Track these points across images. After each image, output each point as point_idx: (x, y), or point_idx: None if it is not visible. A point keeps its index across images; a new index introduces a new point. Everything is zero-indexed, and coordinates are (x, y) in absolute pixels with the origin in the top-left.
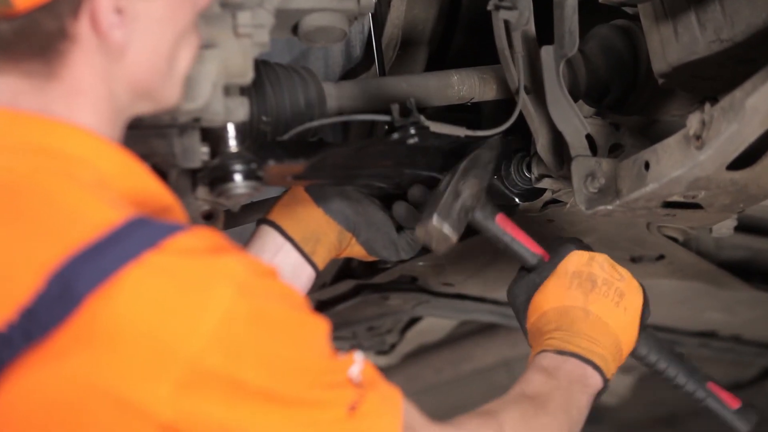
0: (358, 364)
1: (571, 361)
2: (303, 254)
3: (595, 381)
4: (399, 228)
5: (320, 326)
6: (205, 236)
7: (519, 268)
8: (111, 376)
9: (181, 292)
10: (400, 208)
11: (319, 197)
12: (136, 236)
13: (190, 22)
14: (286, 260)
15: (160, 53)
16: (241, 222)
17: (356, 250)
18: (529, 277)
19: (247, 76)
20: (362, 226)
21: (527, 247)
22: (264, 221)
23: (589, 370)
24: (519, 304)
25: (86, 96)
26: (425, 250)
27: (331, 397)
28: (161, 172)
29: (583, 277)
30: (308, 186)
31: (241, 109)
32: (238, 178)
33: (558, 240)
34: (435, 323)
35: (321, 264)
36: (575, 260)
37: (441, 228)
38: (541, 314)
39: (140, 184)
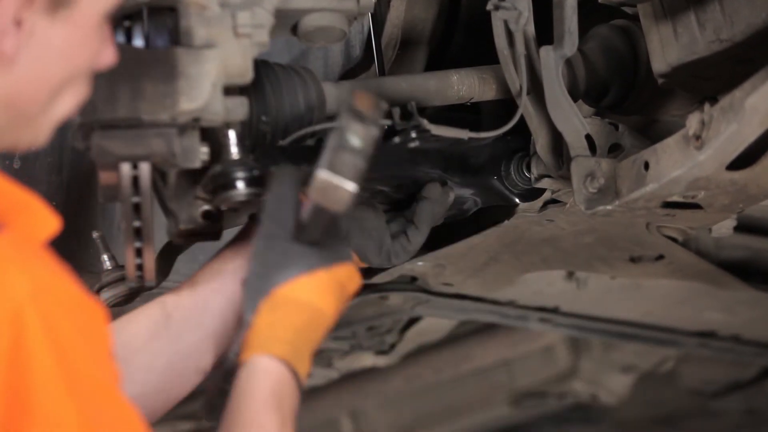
0: None
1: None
2: None
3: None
4: (395, 233)
5: (104, 401)
6: (7, 240)
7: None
8: None
9: None
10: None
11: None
12: None
13: (84, 69)
14: None
15: (45, 82)
16: (240, 222)
17: None
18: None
19: (247, 76)
20: (353, 233)
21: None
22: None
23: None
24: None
25: None
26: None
27: None
28: (160, 172)
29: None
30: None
31: (241, 108)
32: (240, 185)
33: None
34: (434, 323)
35: None
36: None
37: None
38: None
39: None
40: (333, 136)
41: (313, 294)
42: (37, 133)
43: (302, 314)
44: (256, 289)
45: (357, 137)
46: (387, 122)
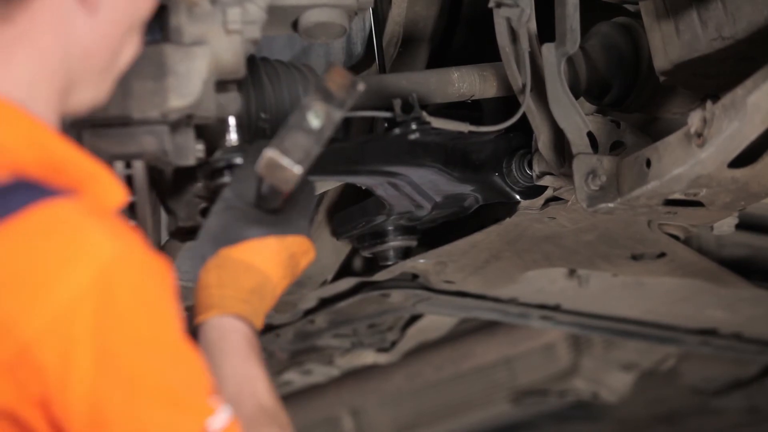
0: (222, 418)
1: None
2: None
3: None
4: None
5: (184, 352)
6: (84, 207)
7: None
8: None
9: (32, 267)
10: None
11: None
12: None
13: (142, 17)
14: None
15: (118, 30)
16: None
17: None
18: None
19: (239, 72)
20: None
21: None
22: None
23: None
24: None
25: (34, 47)
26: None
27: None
28: (158, 170)
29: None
30: None
31: (234, 104)
32: None
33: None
34: (436, 321)
35: None
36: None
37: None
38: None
39: (46, 156)
40: (294, 113)
41: (261, 259)
42: (105, 88)
43: (250, 277)
44: (205, 248)
45: (317, 118)
46: (388, 114)
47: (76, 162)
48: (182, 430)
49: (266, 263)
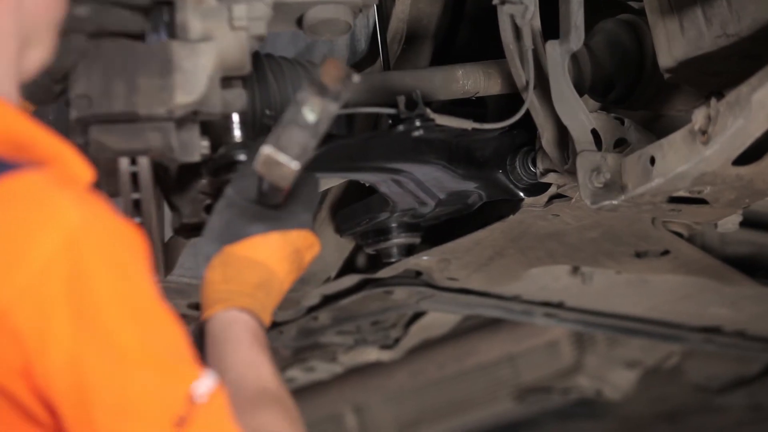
0: (207, 383)
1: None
2: None
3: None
4: None
5: (161, 317)
6: (50, 177)
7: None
8: None
9: (1, 237)
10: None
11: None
12: None
13: None
14: None
15: None
16: None
17: None
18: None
19: (245, 69)
20: None
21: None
22: None
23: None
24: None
25: None
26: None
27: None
28: (162, 166)
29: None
30: None
31: (239, 101)
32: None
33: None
34: (439, 318)
35: None
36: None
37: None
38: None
39: (9, 134)
40: (290, 108)
41: (265, 255)
42: (52, 44)
43: (255, 272)
44: (209, 246)
45: (312, 112)
46: (392, 111)
47: (41, 140)
48: (167, 393)
49: (271, 258)
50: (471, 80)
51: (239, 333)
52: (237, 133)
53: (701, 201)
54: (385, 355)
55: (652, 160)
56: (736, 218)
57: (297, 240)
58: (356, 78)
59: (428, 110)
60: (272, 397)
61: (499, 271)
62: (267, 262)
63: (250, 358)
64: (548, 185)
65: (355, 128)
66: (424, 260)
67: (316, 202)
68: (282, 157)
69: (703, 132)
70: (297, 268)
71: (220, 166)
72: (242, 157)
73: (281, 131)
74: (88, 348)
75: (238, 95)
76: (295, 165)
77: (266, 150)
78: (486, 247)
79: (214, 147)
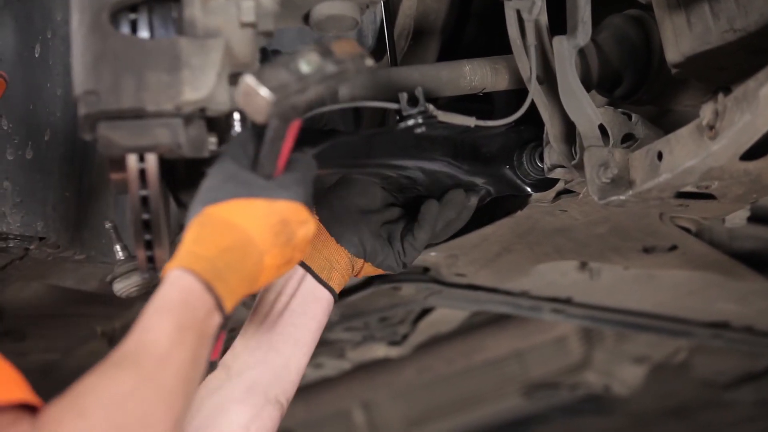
0: None
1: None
2: (320, 281)
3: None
4: (403, 231)
5: None
6: None
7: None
8: None
9: None
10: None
11: (333, 228)
12: None
13: None
14: (306, 287)
15: None
16: None
17: (369, 270)
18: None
19: (253, 65)
20: (378, 249)
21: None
22: None
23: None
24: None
25: None
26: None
27: None
28: (170, 162)
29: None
30: (324, 219)
31: None
32: None
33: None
34: (447, 314)
35: (337, 288)
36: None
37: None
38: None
39: None
40: (285, 55)
41: (244, 219)
42: None
43: (228, 235)
44: (194, 208)
45: (307, 64)
46: (394, 106)
47: None
48: None
49: (250, 224)
50: (478, 76)
51: (157, 295)
52: (238, 130)
53: (709, 196)
54: (393, 352)
55: (660, 156)
56: (743, 213)
57: (285, 210)
58: (370, 61)
59: (431, 107)
60: (128, 359)
61: (506, 267)
62: (245, 226)
63: (145, 322)
64: (555, 181)
65: (363, 126)
66: (431, 256)
67: (310, 180)
68: (261, 90)
69: (711, 127)
70: (285, 242)
71: None
72: (238, 126)
73: (268, 68)
74: None
75: None
76: (270, 97)
77: (247, 79)
78: (493, 243)
79: (221, 143)
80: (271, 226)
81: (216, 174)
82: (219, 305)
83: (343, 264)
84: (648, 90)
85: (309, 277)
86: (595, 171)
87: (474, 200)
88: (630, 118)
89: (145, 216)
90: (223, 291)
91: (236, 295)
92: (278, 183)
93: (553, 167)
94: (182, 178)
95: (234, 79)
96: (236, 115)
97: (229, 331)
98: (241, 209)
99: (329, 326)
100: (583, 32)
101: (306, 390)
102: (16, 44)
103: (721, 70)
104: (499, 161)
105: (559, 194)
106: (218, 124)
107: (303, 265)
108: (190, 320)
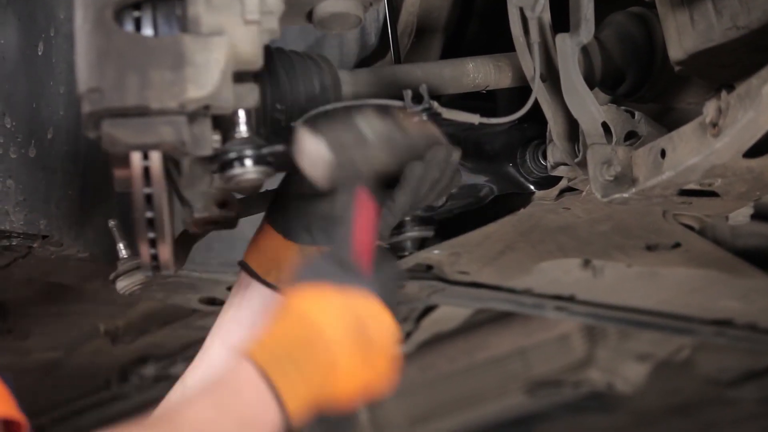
0: None
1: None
2: (269, 285)
3: None
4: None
5: None
6: None
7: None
8: None
9: None
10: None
11: (278, 223)
12: None
13: None
14: (256, 296)
15: None
16: (255, 210)
17: None
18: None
19: (257, 63)
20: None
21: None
22: (239, 262)
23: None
24: None
25: None
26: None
27: None
28: (173, 160)
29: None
30: (269, 214)
31: (251, 95)
32: (248, 163)
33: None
34: (450, 312)
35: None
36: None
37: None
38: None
39: None
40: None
41: (311, 306)
42: None
43: (296, 326)
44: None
45: (369, 127)
46: (398, 104)
47: None
48: None
49: (318, 312)
50: (481, 73)
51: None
52: (243, 128)
53: (712, 194)
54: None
55: (663, 153)
56: (747, 211)
57: (359, 305)
58: (456, 154)
59: (435, 104)
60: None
61: (509, 265)
62: (312, 314)
63: (192, 395)
64: (559, 178)
65: None
66: (434, 254)
67: (395, 277)
68: (319, 146)
69: (714, 124)
70: (358, 339)
71: (226, 162)
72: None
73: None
74: None
75: (250, 89)
76: (328, 156)
77: (302, 130)
78: (497, 241)
79: (224, 141)
80: (341, 317)
81: (311, 259)
82: (276, 397)
83: (291, 259)
84: (651, 87)
85: (256, 284)
86: (598, 168)
87: (457, 155)
88: (633, 115)
89: (149, 214)
90: (284, 386)
91: (298, 389)
92: (361, 276)
93: (556, 165)
94: (186, 176)
95: (238, 76)
96: (240, 113)
97: None
98: (309, 296)
99: None
100: (586, 30)
101: None
102: (19, 42)
103: (724, 68)
104: (503, 159)
105: (562, 192)
106: (222, 122)
107: (250, 271)
108: (233, 409)
